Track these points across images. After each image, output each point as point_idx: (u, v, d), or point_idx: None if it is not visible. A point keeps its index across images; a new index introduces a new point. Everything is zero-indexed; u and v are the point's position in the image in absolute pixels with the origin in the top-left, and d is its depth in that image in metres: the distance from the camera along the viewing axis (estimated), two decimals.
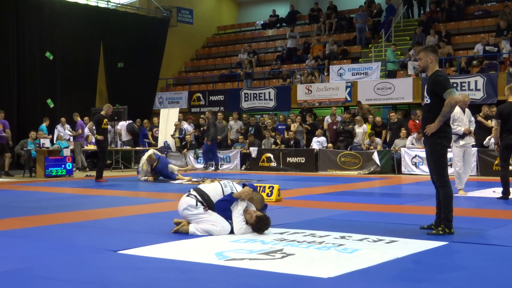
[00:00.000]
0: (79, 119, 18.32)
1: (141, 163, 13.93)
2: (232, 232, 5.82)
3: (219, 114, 19.50)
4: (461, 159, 9.62)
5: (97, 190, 11.87)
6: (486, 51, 17.82)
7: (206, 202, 5.94)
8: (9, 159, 16.21)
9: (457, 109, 9.26)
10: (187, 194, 6.08)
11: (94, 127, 14.08)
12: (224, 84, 23.83)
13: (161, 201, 9.48)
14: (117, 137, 19.70)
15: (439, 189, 5.96)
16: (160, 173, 13.79)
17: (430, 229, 5.96)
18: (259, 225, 5.82)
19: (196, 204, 5.90)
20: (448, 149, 6.20)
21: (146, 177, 13.71)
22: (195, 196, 5.96)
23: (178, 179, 13.59)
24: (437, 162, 5.95)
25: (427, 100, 6.02)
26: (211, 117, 18.16)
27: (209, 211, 5.92)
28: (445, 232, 5.77)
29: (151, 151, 14.22)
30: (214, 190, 6.07)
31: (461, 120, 9.43)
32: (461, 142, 9.53)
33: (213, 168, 17.42)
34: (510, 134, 8.79)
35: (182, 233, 5.87)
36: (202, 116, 19.82)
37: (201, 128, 18.87)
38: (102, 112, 13.82)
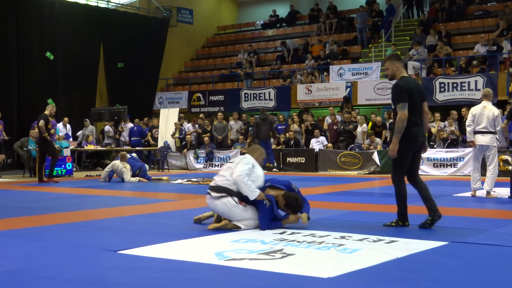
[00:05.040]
0: None
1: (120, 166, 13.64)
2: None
3: (219, 114, 19.54)
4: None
5: (97, 190, 11.87)
6: (489, 52, 17.83)
7: (239, 196, 6.07)
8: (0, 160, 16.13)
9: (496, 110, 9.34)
10: (217, 197, 6.10)
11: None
12: (224, 84, 23.82)
13: (161, 201, 9.49)
14: (128, 136, 19.69)
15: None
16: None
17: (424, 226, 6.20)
18: (292, 204, 6.10)
19: (236, 202, 6.06)
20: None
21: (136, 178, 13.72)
22: (227, 195, 6.06)
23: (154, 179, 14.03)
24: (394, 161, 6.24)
25: (392, 106, 6.30)
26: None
27: (246, 206, 6.08)
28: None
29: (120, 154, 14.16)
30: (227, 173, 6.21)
31: None
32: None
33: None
34: None
35: (184, 233, 5.84)
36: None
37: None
38: (46, 112, 13.41)
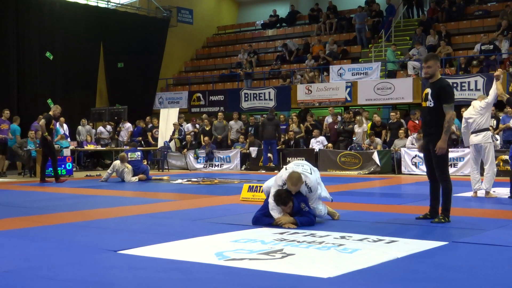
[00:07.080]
0: None
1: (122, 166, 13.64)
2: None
3: (219, 114, 19.55)
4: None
5: (97, 190, 11.87)
6: (482, 51, 17.85)
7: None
8: (3, 160, 16.14)
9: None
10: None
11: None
12: (224, 84, 23.83)
13: (161, 201, 9.49)
14: (125, 136, 19.68)
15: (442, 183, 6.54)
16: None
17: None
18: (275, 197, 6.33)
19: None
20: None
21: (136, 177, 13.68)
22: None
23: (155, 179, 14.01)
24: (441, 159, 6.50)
25: (430, 104, 6.40)
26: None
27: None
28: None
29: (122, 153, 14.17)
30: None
31: None
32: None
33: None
34: None
35: (184, 233, 5.87)
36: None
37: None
38: (50, 112, 13.59)
